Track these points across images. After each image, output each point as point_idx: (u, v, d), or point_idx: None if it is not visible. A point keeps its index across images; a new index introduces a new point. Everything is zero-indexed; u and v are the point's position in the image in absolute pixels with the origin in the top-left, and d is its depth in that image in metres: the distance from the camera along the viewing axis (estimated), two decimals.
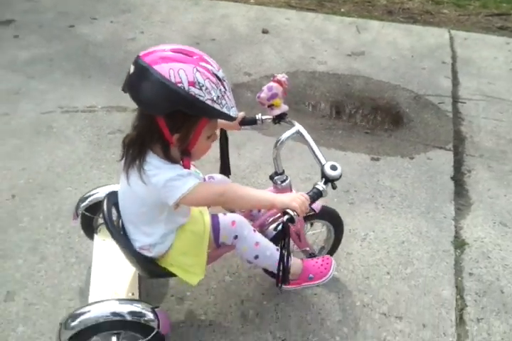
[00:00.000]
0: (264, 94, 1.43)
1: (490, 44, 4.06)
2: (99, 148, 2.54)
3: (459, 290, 1.89)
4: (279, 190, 1.54)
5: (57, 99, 2.94)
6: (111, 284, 1.51)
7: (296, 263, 1.58)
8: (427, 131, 2.86)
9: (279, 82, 1.44)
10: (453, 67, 3.62)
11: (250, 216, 1.67)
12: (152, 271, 1.45)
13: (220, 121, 1.45)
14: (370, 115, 3.02)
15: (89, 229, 1.79)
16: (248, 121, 1.55)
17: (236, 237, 1.43)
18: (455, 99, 3.21)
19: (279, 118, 1.51)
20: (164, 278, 1.81)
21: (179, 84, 1.09)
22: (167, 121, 1.14)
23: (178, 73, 1.09)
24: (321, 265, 1.61)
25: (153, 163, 1.19)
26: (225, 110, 1.18)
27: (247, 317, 1.72)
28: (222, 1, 4.54)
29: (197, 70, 1.12)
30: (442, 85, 3.36)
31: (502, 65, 3.72)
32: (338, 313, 1.76)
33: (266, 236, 1.56)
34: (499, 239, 2.13)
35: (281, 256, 1.33)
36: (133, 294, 1.49)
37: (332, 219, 1.75)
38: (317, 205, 1.61)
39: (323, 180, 1.31)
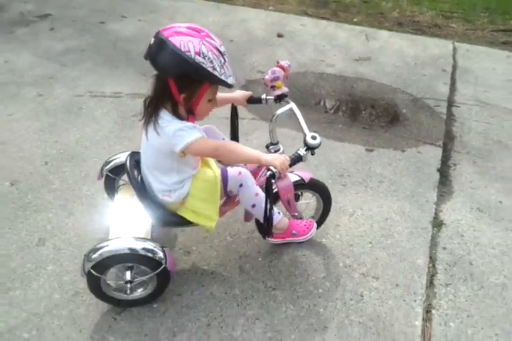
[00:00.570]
0: (268, 76, 1.72)
1: (491, 56, 4.32)
2: (122, 127, 2.85)
3: (432, 260, 2.14)
4: None
5: (88, 85, 3.27)
6: (127, 230, 1.78)
7: (283, 220, 1.85)
8: (420, 129, 3.13)
9: (281, 67, 1.72)
10: (452, 75, 3.88)
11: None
12: (167, 218, 1.71)
13: (231, 97, 1.76)
14: (369, 113, 3.30)
15: (111, 189, 2.06)
16: (254, 100, 1.84)
17: (241, 185, 1.71)
18: (450, 103, 3.47)
19: (279, 98, 1.79)
20: (173, 234, 2.10)
21: (187, 53, 1.38)
22: (176, 82, 1.44)
23: (187, 44, 1.38)
24: (304, 225, 1.88)
25: (165, 117, 1.49)
26: (223, 77, 1.46)
27: (244, 270, 2.00)
28: (243, 6, 4.88)
29: (202, 43, 1.41)
30: (440, 90, 3.62)
31: (500, 75, 3.98)
32: (323, 271, 2.02)
33: None
34: (474, 222, 2.38)
35: (266, 206, 1.61)
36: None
37: (320, 190, 2.01)
38: (306, 176, 1.89)
39: (305, 147, 1.59)
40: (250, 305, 1.85)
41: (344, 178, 2.60)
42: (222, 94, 1.72)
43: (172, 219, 1.69)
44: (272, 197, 1.82)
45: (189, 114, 1.54)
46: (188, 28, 1.43)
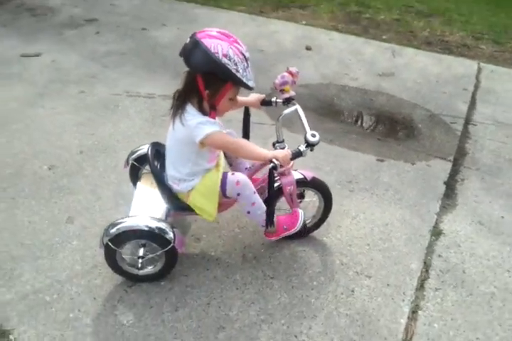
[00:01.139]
0: (277, 80, 1.91)
1: None
2: (152, 125, 3.10)
3: (426, 265, 2.26)
4: None
5: (125, 85, 3.56)
6: (145, 211, 1.98)
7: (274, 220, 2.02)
8: (433, 144, 3.25)
9: (290, 72, 1.91)
10: (473, 95, 3.98)
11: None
12: (176, 203, 1.93)
13: (247, 100, 1.96)
14: (385, 126, 3.45)
15: (135, 178, 2.28)
16: (266, 102, 2.04)
17: (238, 194, 1.88)
18: (467, 121, 3.57)
19: (287, 101, 1.98)
20: (187, 222, 2.31)
21: (216, 54, 1.59)
22: (203, 79, 1.65)
23: (217, 46, 1.59)
24: (291, 217, 2.05)
25: (191, 111, 1.71)
26: (244, 80, 1.67)
27: (246, 258, 2.18)
28: (277, 19, 5.12)
29: (230, 47, 1.62)
30: (458, 108, 3.73)
31: None
32: (319, 266, 2.18)
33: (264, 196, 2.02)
34: (473, 234, 2.49)
35: (269, 197, 1.80)
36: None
37: (321, 189, 2.17)
38: (309, 175, 2.07)
39: (305, 144, 1.78)
40: (248, 289, 2.03)
41: (352, 184, 2.76)
42: (239, 97, 1.92)
43: (181, 206, 1.91)
44: (276, 192, 2.02)
45: (212, 109, 1.75)
46: (219, 32, 1.65)
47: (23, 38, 4.18)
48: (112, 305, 1.92)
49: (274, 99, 2.02)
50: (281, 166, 1.75)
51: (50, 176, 2.57)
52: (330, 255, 2.25)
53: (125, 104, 3.33)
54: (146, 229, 1.81)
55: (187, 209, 1.92)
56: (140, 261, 1.88)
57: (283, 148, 1.99)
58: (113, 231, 1.80)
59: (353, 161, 2.97)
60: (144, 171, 2.26)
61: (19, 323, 1.82)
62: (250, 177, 2.05)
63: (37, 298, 1.92)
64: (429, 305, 2.06)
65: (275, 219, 2.02)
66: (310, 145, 1.78)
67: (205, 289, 2.01)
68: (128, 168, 2.25)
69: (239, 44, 1.66)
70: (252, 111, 2.10)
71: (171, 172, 1.87)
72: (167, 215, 2.02)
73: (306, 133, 1.81)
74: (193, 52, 1.62)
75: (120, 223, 1.82)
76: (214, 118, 1.76)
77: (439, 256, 2.33)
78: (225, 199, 1.98)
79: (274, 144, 2.03)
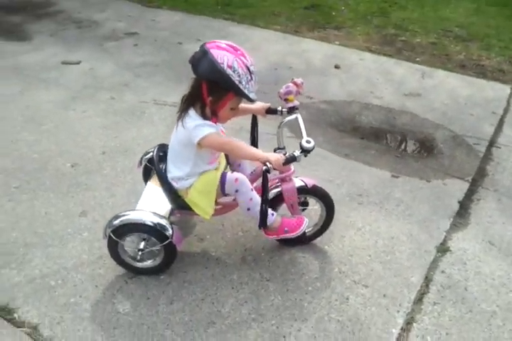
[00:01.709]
0: (282, 90, 1.99)
1: None
2: None
3: (427, 280, 2.24)
4: None
5: (153, 94, 3.73)
6: (150, 207, 2.07)
7: (276, 220, 2.06)
8: (452, 163, 3.21)
9: (295, 83, 1.97)
10: (501, 118, 3.91)
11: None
12: (177, 202, 2.01)
13: (252, 108, 2.05)
14: (405, 144, 3.44)
15: (147, 177, 2.39)
16: (271, 111, 2.11)
17: (237, 191, 1.96)
18: (491, 143, 3.51)
19: (291, 110, 2.04)
20: (193, 222, 2.39)
21: (221, 65, 1.69)
22: (208, 86, 1.75)
23: (223, 57, 1.69)
24: (295, 222, 2.08)
25: (192, 115, 1.81)
26: (246, 91, 1.75)
27: (246, 260, 2.23)
28: (310, 39, 5.24)
29: (235, 60, 1.71)
30: (484, 131, 3.67)
31: None
32: (317, 273, 2.20)
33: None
34: (481, 253, 2.44)
35: (263, 198, 1.86)
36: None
37: (323, 197, 2.20)
38: (310, 182, 2.11)
39: (300, 150, 1.83)
40: (243, 289, 2.07)
41: (362, 198, 2.77)
42: (244, 104, 2.00)
43: (182, 204, 1.99)
44: (277, 199, 2.08)
45: (213, 115, 1.84)
46: (227, 44, 1.75)
47: (67, 47, 4.48)
48: (112, 293, 2.00)
49: (279, 108, 2.09)
50: (274, 169, 1.80)
51: (71, 173, 2.73)
52: (329, 263, 2.26)
53: (151, 111, 3.49)
54: (147, 223, 1.91)
55: (187, 207, 2.00)
56: (140, 253, 1.96)
57: (284, 154, 2.05)
58: (116, 222, 1.90)
59: (366, 176, 2.98)
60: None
61: (24, 303, 1.94)
62: (252, 182, 2.11)
63: (43, 282, 2.04)
64: (424, 319, 2.03)
65: (280, 219, 2.08)
66: (304, 151, 1.83)
67: (202, 285, 2.07)
68: (141, 167, 2.36)
69: (245, 57, 1.75)
70: (265, 121, 2.18)
71: (172, 170, 1.96)
72: (170, 214, 2.10)
73: (301, 139, 1.87)
74: (201, 60, 1.72)
75: (123, 215, 1.93)
76: (215, 123, 1.86)
77: (442, 272, 2.29)
78: (224, 200, 2.05)
79: (275, 150, 2.09)
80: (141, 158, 2.34)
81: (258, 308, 1.99)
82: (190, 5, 5.81)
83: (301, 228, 2.06)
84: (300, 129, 1.95)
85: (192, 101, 1.83)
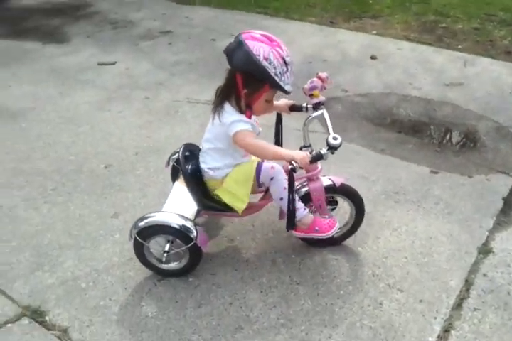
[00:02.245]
0: (306, 85, 1.92)
1: None
2: None
3: (468, 284, 2.11)
4: None
5: (187, 92, 3.74)
6: (176, 209, 2.06)
7: (308, 216, 2.00)
8: (496, 157, 3.03)
9: (320, 77, 1.90)
10: None
11: None
12: (202, 202, 2.00)
13: (276, 104, 1.99)
14: (445, 137, 3.28)
15: (175, 177, 2.39)
16: (296, 108, 2.05)
17: (272, 179, 1.93)
18: None
19: (316, 106, 1.97)
20: (221, 223, 2.37)
21: (257, 56, 1.66)
22: (243, 78, 1.72)
23: (259, 49, 1.66)
24: (327, 223, 2.01)
25: (228, 110, 1.80)
26: (281, 83, 1.73)
27: (276, 263, 2.19)
28: (346, 29, 5.08)
29: (271, 51, 1.67)
30: None
31: None
32: (349, 276, 2.13)
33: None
34: None
35: (289, 198, 1.81)
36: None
37: (352, 196, 2.12)
38: (338, 181, 2.04)
39: (327, 147, 1.76)
40: (272, 293, 2.03)
41: (399, 195, 2.65)
42: None
43: (208, 204, 1.98)
44: (305, 198, 2.02)
45: (247, 108, 1.82)
46: (263, 35, 1.72)
47: (103, 47, 4.56)
48: (140, 296, 2.02)
49: (304, 105, 2.03)
50: (301, 168, 1.75)
51: (105, 174, 2.78)
52: (362, 265, 2.19)
53: (184, 110, 3.49)
54: (172, 225, 1.91)
55: (214, 207, 1.98)
56: (165, 255, 1.97)
57: (310, 152, 1.99)
58: (141, 224, 1.91)
59: (403, 172, 2.85)
60: None
61: (55, 306, 1.98)
62: None
63: (75, 284, 2.08)
64: (464, 326, 1.92)
65: (312, 216, 2.03)
66: (331, 148, 1.76)
67: (230, 289, 2.05)
68: (169, 167, 2.36)
69: (281, 48, 1.71)
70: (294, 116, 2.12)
71: (209, 161, 1.95)
72: (196, 215, 2.09)
73: (328, 135, 1.80)
74: (236, 51, 1.70)
75: (149, 217, 1.93)
76: (250, 116, 1.82)
77: (484, 275, 2.16)
78: (251, 200, 2.02)
79: (301, 148, 2.03)
80: (169, 158, 2.34)
81: (287, 313, 1.95)
82: (223, 0, 5.76)
83: (333, 230, 2.00)
84: (326, 125, 1.88)
85: (227, 94, 1.82)
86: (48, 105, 3.56)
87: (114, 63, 4.22)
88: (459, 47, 4.92)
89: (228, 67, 1.78)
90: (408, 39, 4.99)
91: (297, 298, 2.02)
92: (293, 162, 1.73)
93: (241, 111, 1.81)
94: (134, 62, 4.27)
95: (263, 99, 1.80)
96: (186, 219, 1.95)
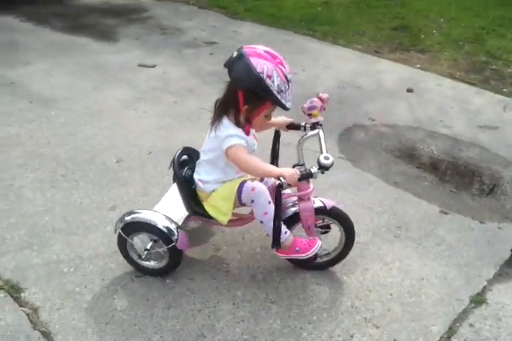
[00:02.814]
0: (306, 105, 1.92)
1: None
2: None
3: (451, 332, 2.00)
4: None
5: (213, 102, 3.78)
6: (166, 210, 2.08)
7: (289, 238, 1.96)
8: None
9: (320, 98, 1.90)
10: None
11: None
12: (192, 207, 2.01)
13: (273, 121, 1.99)
14: (465, 178, 3.16)
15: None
16: (294, 126, 2.05)
17: (252, 201, 1.90)
18: None
19: (314, 126, 1.96)
20: (212, 231, 2.37)
21: (261, 74, 1.66)
22: (244, 94, 1.73)
23: (262, 67, 1.67)
24: (307, 243, 1.96)
25: (225, 124, 1.81)
26: (283, 101, 1.73)
27: (255, 278, 2.16)
28: (388, 60, 5.05)
29: (275, 69, 1.68)
30: None
31: None
32: (327, 303, 2.07)
33: (284, 214, 1.99)
34: None
35: (275, 214, 1.78)
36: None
37: (342, 220, 2.07)
38: (329, 204, 1.99)
39: (318, 166, 1.73)
40: (244, 307, 2.00)
41: (400, 230, 2.57)
42: None
43: (196, 210, 1.98)
44: (293, 219, 1.99)
45: (247, 122, 1.83)
46: (266, 51, 1.73)
47: (148, 51, 4.72)
48: (115, 289, 2.04)
49: (302, 124, 2.02)
50: (289, 185, 1.73)
51: (115, 168, 2.85)
52: (343, 294, 2.12)
53: (206, 117, 3.45)
54: (155, 224, 1.92)
55: (202, 214, 1.98)
56: (145, 252, 1.98)
57: (304, 171, 1.96)
58: (127, 218, 1.94)
59: (412, 207, 2.77)
60: None
61: (33, 285, 2.04)
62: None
63: (57, 267, 2.13)
64: None
65: (292, 238, 1.99)
66: (322, 168, 1.74)
67: (203, 296, 2.04)
68: (171, 168, 2.39)
69: (283, 66, 1.72)
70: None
71: (201, 173, 1.98)
72: (186, 219, 2.10)
73: (320, 155, 1.77)
74: (238, 66, 1.71)
75: (136, 213, 1.96)
76: (248, 131, 1.83)
77: (471, 325, 2.05)
78: (241, 212, 2.00)
79: (294, 166, 2.01)
80: (172, 161, 2.37)
81: (253, 330, 1.91)
82: (275, 19, 5.88)
83: (313, 249, 1.95)
84: (320, 145, 1.86)
85: (226, 107, 1.83)
86: (79, 97, 3.72)
87: (153, 66, 4.36)
88: (504, 90, 4.77)
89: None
90: (453, 77, 4.89)
91: (268, 316, 1.97)
92: (281, 178, 1.71)
93: (239, 125, 1.81)
94: (172, 67, 4.39)
95: (263, 114, 1.81)
96: (171, 221, 1.96)
